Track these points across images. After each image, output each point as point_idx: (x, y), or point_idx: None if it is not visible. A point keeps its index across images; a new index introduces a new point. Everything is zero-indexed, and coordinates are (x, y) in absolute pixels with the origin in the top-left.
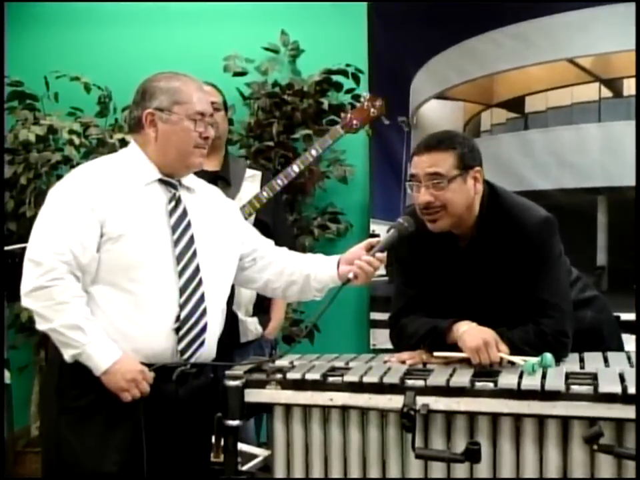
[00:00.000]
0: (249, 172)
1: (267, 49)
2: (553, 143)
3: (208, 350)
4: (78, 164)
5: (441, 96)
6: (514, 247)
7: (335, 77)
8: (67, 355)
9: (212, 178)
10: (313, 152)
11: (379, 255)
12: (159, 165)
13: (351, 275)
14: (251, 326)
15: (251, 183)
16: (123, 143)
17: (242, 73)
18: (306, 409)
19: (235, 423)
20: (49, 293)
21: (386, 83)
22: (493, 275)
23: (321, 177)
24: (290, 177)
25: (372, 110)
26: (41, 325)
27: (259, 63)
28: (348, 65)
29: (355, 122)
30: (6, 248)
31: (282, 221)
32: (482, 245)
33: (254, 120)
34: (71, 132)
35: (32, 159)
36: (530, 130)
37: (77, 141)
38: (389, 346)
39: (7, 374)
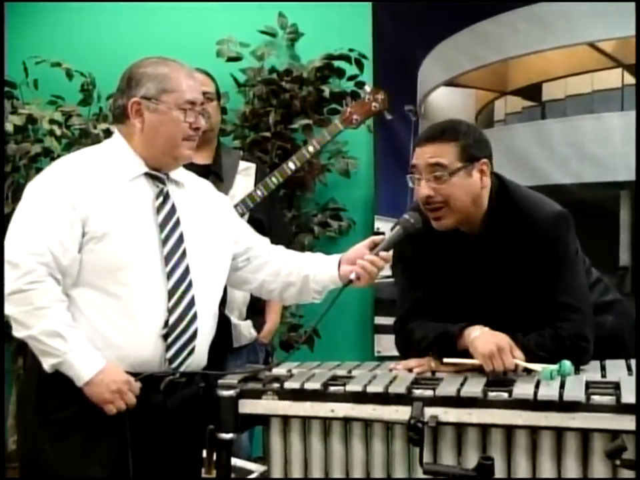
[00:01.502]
0: (243, 164)
1: (263, 33)
2: (573, 133)
3: (199, 357)
4: (59, 156)
5: (450, 83)
6: (526, 245)
7: (336, 63)
8: (47, 364)
9: (203, 172)
10: (311, 148)
11: (383, 254)
12: (145, 158)
13: (352, 276)
14: (245, 330)
15: (245, 177)
16: (108, 134)
17: (236, 58)
18: (305, 420)
19: (229, 436)
20: (27, 297)
21: (391, 69)
22: (504, 275)
23: (321, 171)
24: (286, 174)
25: (373, 104)
26: (18, 332)
27: (255, 47)
28: (351, 50)
29: (355, 117)
30: None
31: (277, 218)
32: (491, 243)
33: (249, 109)
34: (52, 122)
35: (10, 150)
36: (547, 119)
37: (58, 131)
38: (395, 353)
39: None
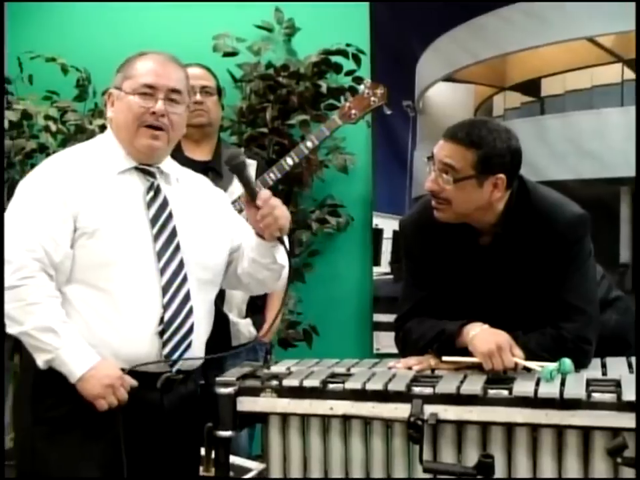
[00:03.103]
0: None
1: (259, 27)
2: (572, 129)
3: (196, 353)
4: (54, 152)
5: (449, 78)
6: (543, 245)
7: (333, 58)
8: (40, 360)
9: (202, 168)
10: (309, 144)
11: (262, 194)
12: (126, 150)
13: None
14: (244, 328)
15: None
16: (103, 130)
17: (233, 53)
18: (304, 418)
19: (227, 433)
20: (19, 293)
21: (389, 64)
22: (515, 274)
23: (319, 167)
24: (283, 170)
25: (372, 99)
26: (11, 328)
27: (251, 42)
28: (348, 45)
29: (353, 112)
30: None
31: None
32: (507, 242)
33: (246, 104)
34: (47, 117)
35: (5, 146)
36: (546, 115)
37: (53, 127)
38: (394, 350)
39: None
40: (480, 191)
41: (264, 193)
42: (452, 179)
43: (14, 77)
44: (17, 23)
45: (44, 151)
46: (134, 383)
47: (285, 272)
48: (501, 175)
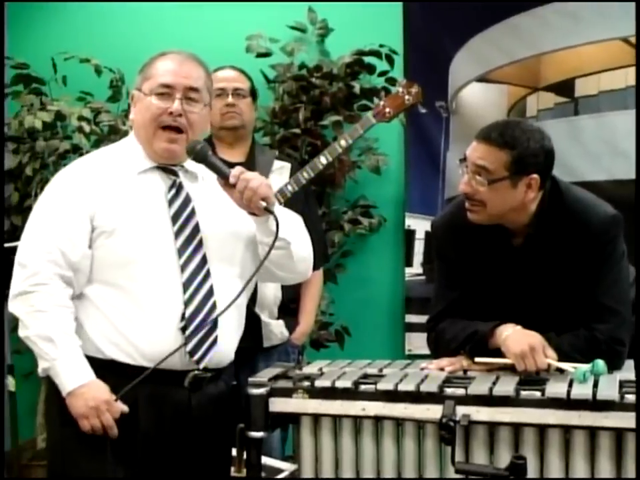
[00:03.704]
0: (277, 164)
1: (293, 28)
2: (606, 129)
3: (224, 350)
4: (88, 152)
5: (482, 78)
6: (576, 246)
7: (367, 59)
8: (40, 367)
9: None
10: (343, 142)
11: (234, 172)
12: (147, 151)
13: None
14: (276, 329)
15: (279, 176)
16: None
17: (266, 54)
18: (336, 419)
19: (259, 434)
20: (29, 299)
21: (423, 64)
22: (548, 275)
23: (351, 167)
24: (317, 169)
25: (407, 97)
26: (21, 332)
27: (285, 43)
28: (381, 46)
29: (387, 110)
30: (7, 245)
31: (311, 216)
32: (539, 243)
33: (279, 105)
34: (81, 118)
35: (38, 147)
36: (580, 116)
37: (86, 128)
38: (426, 351)
39: (11, 381)
40: (514, 191)
41: (235, 169)
42: (486, 181)
43: (48, 78)
44: (50, 23)
45: (77, 151)
46: (124, 409)
47: (300, 251)
48: (535, 176)
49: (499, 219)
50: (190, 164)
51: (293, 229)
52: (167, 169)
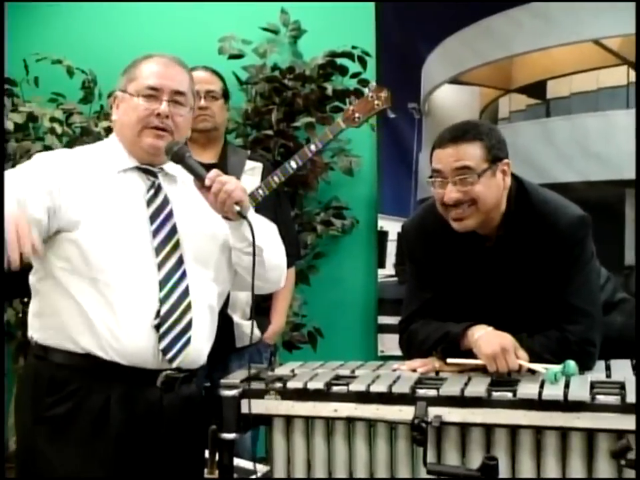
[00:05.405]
0: (249, 164)
1: (265, 30)
2: (578, 131)
3: (196, 350)
4: None
5: (455, 80)
6: (544, 247)
7: (339, 60)
8: None
9: (208, 170)
10: (312, 147)
11: (210, 175)
12: (129, 151)
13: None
14: (248, 330)
15: (251, 177)
16: (109, 132)
17: (238, 56)
18: (308, 420)
19: (231, 436)
20: None
21: (395, 66)
22: (517, 277)
23: (324, 169)
24: (287, 173)
25: (376, 102)
26: None
27: (257, 44)
28: (354, 47)
29: (357, 115)
30: None
31: (283, 216)
32: (508, 245)
33: (251, 107)
34: (53, 120)
35: (10, 149)
36: (552, 117)
37: (58, 129)
38: (398, 352)
39: None
40: (495, 181)
41: (211, 172)
42: (476, 175)
43: (20, 79)
44: (22, 24)
45: None
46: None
47: (272, 259)
48: (506, 160)
49: (486, 218)
50: (169, 167)
51: (266, 236)
52: (147, 170)
